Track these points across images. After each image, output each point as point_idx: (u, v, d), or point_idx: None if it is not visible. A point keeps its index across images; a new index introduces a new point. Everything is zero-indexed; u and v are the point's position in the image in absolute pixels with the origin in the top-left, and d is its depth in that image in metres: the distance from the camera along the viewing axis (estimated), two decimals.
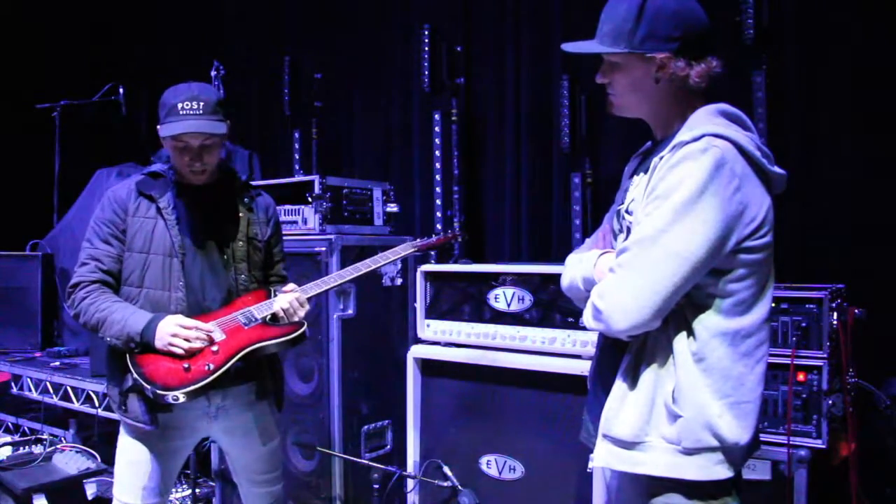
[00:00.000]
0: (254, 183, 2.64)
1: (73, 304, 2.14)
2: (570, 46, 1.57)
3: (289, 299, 2.18)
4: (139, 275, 2.14)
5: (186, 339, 2.03)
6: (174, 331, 2.03)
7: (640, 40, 1.47)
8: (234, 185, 2.32)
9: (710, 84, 1.51)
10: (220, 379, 2.06)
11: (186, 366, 2.03)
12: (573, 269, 1.62)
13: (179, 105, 2.07)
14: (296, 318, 2.21)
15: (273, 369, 2.37)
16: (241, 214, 2.26)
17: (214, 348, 2.08)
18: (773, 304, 1.85)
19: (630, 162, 1.71)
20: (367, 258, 2.45)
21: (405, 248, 2.55)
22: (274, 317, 2.20)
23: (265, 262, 2.34)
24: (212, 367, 2.05)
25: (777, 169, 1.47)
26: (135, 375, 2.01)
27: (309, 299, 2.27)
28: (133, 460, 2.17)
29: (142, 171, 2.29)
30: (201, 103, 2.08)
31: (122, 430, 2.22)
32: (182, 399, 1.99)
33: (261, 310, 2.19)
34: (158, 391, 1.98)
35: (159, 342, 2.03)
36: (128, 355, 2.06)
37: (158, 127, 2.12)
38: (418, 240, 2.64)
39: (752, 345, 1.45)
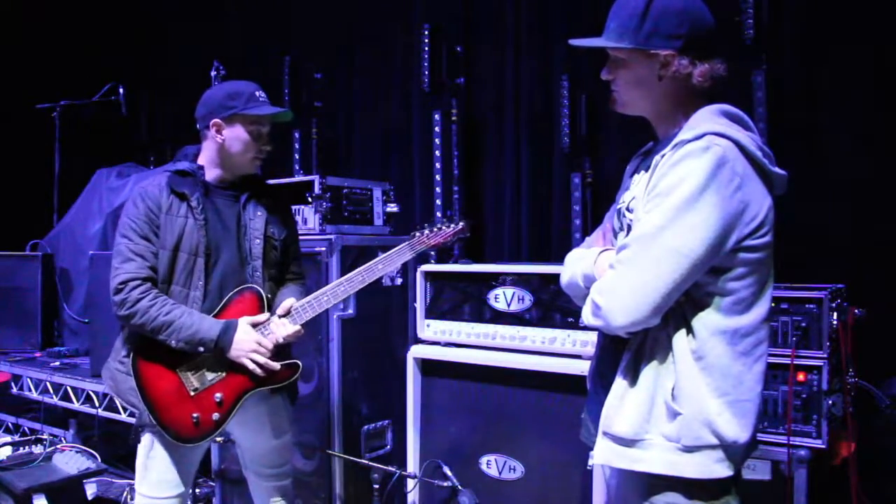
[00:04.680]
0: None
1: (126, 305, 2.09)
2: (576, 41, 1.59)
3: (285, 334, 2.19)
4: (165, 271, 2.17)
5: (260, 358, 2.14)
6: (255, 348, 2.13)
7: (645, 37, 1.48)
8: (256, 185, 2.35)
9: (714, 85, 1.51)
10: None
11: (195, 417, 2.16)
12: (573, 266, 1.62)
13: (257, 93, 2.21)
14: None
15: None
16: (259, 213, 2.29)
17: (218, 397, 2.18)
18: (773, 304, 1.85)
19: (631, 162, 1.72)
20: (361, 265, 2.28)
21: (402, 254, 2.28)
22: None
23: (282, 260, 2.37)
24: (217, 417, 2.18)
25: (778, 170, 1.47)
26: (152, 420, 2.14)
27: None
28: (154, 454, 2.21)
29: (167, 168, 2.33)
30: (266, 94, 2.24)
31: None
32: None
33: None
34: (172, 440, 2.17)
35: (234, 352, 2.12)
36: (140, 395, 2.14)
37: (235, 113, 2.17)
38: (416, 235, 2.29)
39: (750, 343, 1.45)
